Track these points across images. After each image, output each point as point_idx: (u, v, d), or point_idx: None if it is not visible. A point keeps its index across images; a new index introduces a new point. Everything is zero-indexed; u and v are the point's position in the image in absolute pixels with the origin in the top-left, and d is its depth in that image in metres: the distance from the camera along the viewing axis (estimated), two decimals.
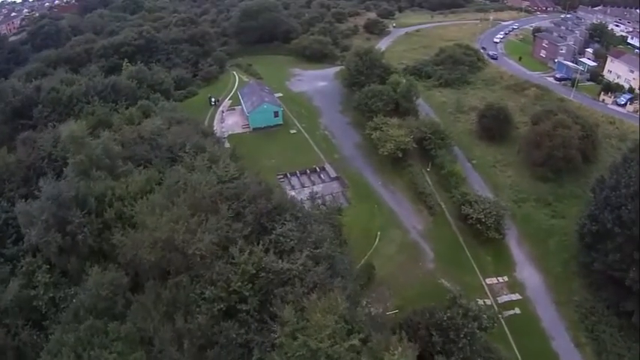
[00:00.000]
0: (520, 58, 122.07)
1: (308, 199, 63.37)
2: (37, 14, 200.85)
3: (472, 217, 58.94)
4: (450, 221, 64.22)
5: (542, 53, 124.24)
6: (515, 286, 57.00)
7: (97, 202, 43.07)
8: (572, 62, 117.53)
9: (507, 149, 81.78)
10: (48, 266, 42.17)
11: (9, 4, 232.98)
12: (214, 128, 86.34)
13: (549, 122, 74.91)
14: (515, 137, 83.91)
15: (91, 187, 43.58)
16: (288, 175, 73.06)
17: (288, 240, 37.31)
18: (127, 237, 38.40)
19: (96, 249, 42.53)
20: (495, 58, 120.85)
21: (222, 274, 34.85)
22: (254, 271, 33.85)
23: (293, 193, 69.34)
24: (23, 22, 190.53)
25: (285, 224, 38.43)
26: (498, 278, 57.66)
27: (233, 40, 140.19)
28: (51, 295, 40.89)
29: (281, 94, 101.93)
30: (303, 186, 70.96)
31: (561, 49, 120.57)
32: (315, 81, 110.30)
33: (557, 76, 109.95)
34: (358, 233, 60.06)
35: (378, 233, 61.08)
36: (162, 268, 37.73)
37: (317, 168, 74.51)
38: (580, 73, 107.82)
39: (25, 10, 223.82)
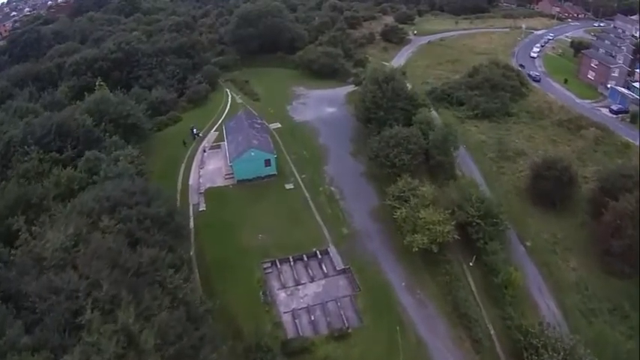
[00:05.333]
0: (566, 81, 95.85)
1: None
2: (35, 13, 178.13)
3: None
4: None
5: (590, 75, 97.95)
6: None
7: None
8: (625, 87, 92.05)
9: (568, 220, 57.80)
10: None
11: (11, 2, 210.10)
12: (190, 180, 63.60)
13: (632, 197, 50.67)
14: (577, 201, 60.23)
15: None
16: (278, 263, 49.58)
17: None
18: None
19: None
20: (538, 80, 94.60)
21: None
22: None
23: (283, 294, 47.06)
24: (16, 24, 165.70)
25: None
26: None
27: (231, 49, 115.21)
28: None
29: (279, 125, 78.65)
30: (297, 283, 47.75)
31: (613, 72, 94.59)
32: (322, 105, 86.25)
33: (614, 108, 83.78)
34: None
35: None
36: None
37: (318, 252, 50.82)
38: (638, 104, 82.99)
39: (27, 9, 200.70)
